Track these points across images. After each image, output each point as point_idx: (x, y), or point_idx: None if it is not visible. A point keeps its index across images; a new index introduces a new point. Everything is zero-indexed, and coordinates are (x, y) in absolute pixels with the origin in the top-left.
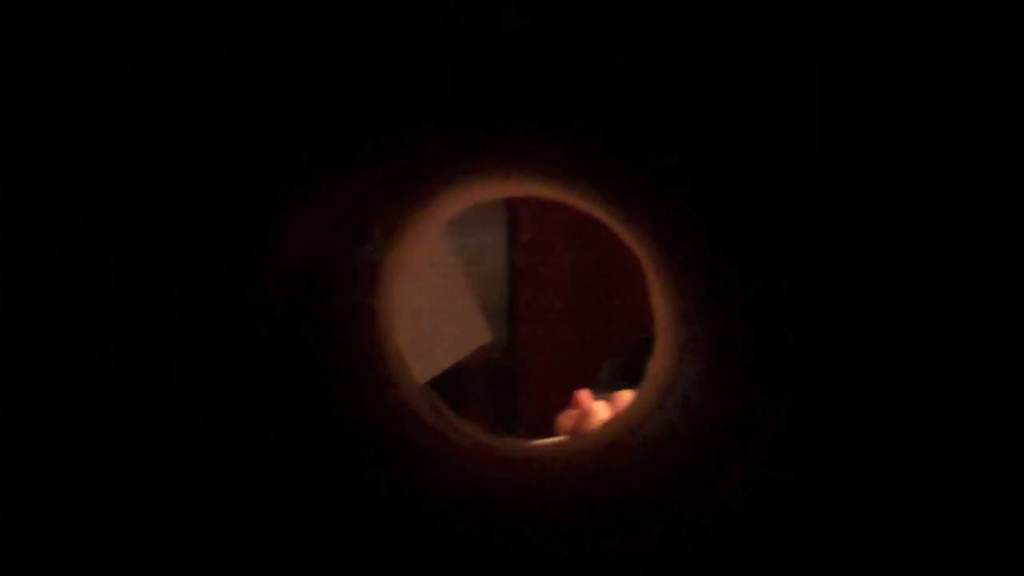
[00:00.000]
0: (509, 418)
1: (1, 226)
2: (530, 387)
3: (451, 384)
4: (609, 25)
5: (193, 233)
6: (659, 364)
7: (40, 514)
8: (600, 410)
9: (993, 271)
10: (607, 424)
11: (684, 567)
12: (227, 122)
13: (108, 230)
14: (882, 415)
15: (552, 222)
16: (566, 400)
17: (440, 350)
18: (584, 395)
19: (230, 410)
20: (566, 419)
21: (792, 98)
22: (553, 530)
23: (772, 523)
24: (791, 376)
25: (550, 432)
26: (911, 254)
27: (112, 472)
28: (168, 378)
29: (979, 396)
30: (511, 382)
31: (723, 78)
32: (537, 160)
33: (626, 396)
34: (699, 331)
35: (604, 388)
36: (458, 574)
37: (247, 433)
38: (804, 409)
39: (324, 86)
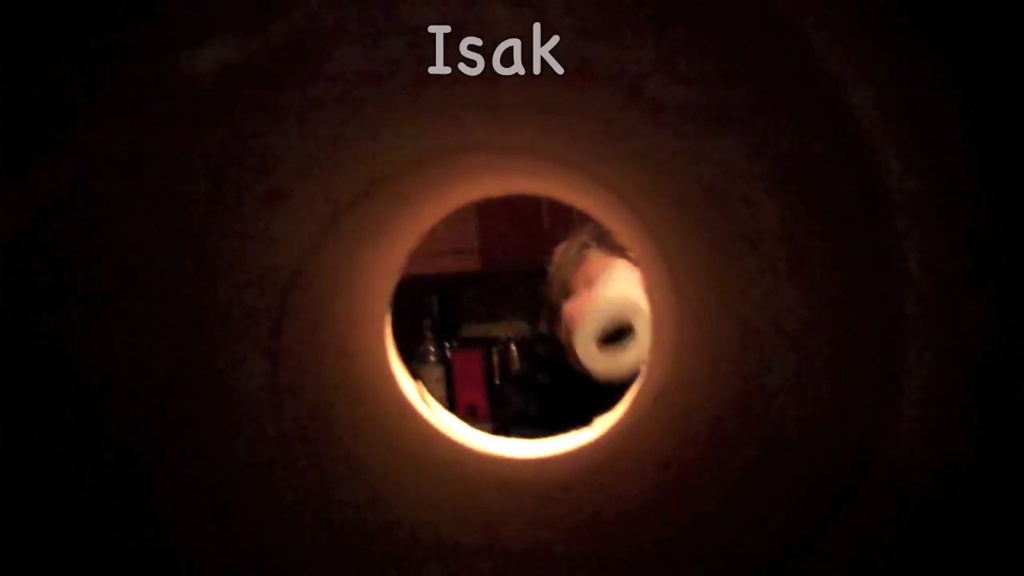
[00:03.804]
0: None
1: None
2: None
3: None
4: None
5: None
6: (657, 363)
7: (40, 514)
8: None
9: None
10: (606, 425)
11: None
12: None
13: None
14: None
15: None
16: None
17: None
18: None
19: (225, 409)
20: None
21: None
22: (554, 532)
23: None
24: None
25: None
26: None
27: (114, 473)
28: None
29: None
30: None
31: None
32: None
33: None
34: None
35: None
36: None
37: (238, 431)
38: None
39: None
